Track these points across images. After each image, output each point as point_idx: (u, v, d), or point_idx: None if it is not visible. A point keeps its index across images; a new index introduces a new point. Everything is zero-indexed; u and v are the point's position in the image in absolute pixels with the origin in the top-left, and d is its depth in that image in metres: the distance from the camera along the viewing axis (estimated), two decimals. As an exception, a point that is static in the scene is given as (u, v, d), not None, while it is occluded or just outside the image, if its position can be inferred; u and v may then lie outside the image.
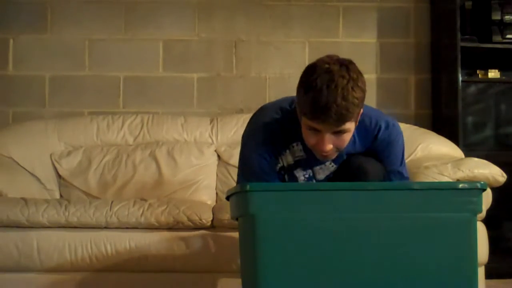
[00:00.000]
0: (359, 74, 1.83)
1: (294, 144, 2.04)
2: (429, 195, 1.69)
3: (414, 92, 3.87)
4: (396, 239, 1.67)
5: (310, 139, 1.88)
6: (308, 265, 1.65)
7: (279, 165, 2.08)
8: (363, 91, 1.83)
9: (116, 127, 3.43)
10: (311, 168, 2.07)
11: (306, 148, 2.00)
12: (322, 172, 2.09)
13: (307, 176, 2.09)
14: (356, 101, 1.79)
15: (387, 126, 2.05)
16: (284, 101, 2.05)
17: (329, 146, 1.86)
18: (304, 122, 1.87)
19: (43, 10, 3.76)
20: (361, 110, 1.88)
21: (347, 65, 1.82)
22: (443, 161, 2.86)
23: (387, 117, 2.09)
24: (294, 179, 2.10)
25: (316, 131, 1.85)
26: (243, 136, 2.13)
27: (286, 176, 2.10)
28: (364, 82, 1.84)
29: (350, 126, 1.85)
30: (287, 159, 2.07)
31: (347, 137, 1.88)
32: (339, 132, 1.85)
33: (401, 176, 2.10)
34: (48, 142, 3.34)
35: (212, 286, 2.66)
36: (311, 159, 2.03)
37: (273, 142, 2.03)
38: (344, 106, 1.77)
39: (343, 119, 1.79)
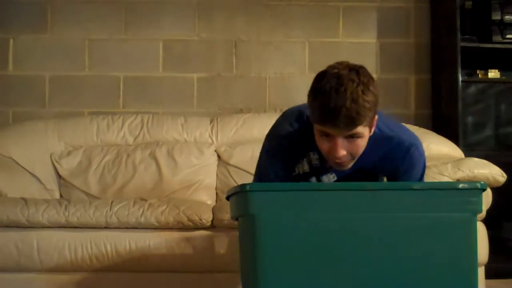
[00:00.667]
0: (370, 78, 1.80)
1: (311, 153, 2.01)
2: (429, 195, 1.68)
3: (414, 92, 3.87)
4: (396, 239, 1.67)
5: (323, 145, 1.84)
6: (308, 265, 1.65)
7: (295, 173, 2.07)
8: (375, 96, 1.79)
9: (116, 127, 3.43)
10: (320, 176, 2.06)
11: (322, 158, 1.97)
12: (327, 180, 2.08)
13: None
14: (367, 104, 1.75)
15: (407, 150, 1.99)
16: (306, 107, 1.99)
17: (342, 152, 1.81)
18: (316, 128, 1.83)
19: (43, 10, 3.76)
20: (376, 116, 1.84)
21: (357, 69, 1.79)
22: (443, 161, 2.86)
23: (411, 138, 2.02)
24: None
25: (329, 136, 1.81)
26: (264, 143, 2.10)
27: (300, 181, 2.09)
28: (376, 87, 1.80)
29: (363, 130, 1.80)
30: (304, 167, 2.05)
31: (361, 143, 1.83)
32: (352, 137, 1.80)
33: None
34: (48, 142, 3.34)
35: (212, 286, 2.66)
36: (323, 168, 2.01)
37: (290, 153, 2.02)
38: (355, 109, 1.73)
39: (354, 123, 1.76)
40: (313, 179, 2.07)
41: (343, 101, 1.73)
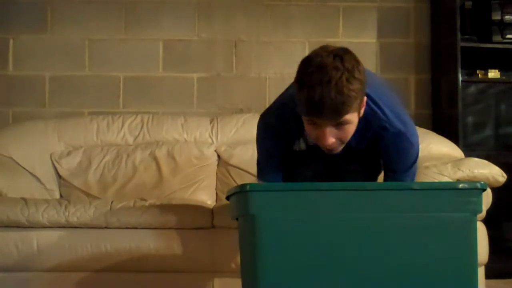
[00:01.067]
0: (356, 63, 1.75)
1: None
2: (429, 195, 1.68)
3: (414, 92, 3.87)
4: (396, 239, 1.67)
5: (312, 133, 1.84)
6: (308, 265, 1.65)
7: (294, 149, 2.06)
8: (361, 82, 1.74)
9: (116, 127, 3.43)
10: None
11: None
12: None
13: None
14: (353, 93, 1.71)
15: (396, 137, 1.96)
16: None
17: (331, 140, 1.80)
18: (304, 117, 1.82)
19: (43, 10, 3.76)
20: (364, 99, 1.81)
21: (341, 55, 1.74)
22: (443, 161, 2.86)
23: (403, 126, 1.98)
24: (306, 159, 2.09)
25: (316, 124, 1.80)
26: (258, 128, 2.09)
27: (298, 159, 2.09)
28: (361, 71, 1.75)
29: (351, 117, 1.78)
30: (301, 145, 2.05)
31: (350, 128, 1.82)
32: (340, 124, 1.78)
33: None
34: (48, 142, 3.34)
35: (212, 286, 2.66)
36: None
37: (285, 134, 2.02)
38: (340, 100, 1.70)
39: (340, 113, 1.73)
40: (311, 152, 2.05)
41: (327, 93, 1.69)
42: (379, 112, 1.95)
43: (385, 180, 2.10)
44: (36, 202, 2.70)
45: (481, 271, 2.77)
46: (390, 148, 1.99)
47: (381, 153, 2.04)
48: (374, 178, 2.20)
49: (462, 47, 3.51)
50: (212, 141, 3.41)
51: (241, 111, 3.75)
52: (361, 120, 1.88)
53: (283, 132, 2.03)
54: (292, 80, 1.90)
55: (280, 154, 2.06)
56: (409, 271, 1.66)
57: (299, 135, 2.04)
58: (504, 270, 3.43)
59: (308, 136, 2.00)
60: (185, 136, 3.42)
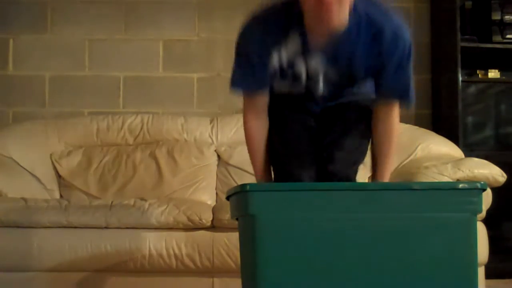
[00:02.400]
0: None
1: (293, 32, 1.97)
2: (429, 195, 1.69)
3: (414, 92, 3.86)
4: (396, 239, 1.67)
5: None
6: (308, 265, 1.65)
7: (276, 62, 2.02)
8: None
9: (116, 127, 3.43)
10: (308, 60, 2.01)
11: (304, 37, 1.94)
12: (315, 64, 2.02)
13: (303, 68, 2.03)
14: None
15: (393, 37, 1.96)
16: None
17: None
18: None
19: (43, 10, 3.76)
20: None
21: None
22: (443, 161, 2.86)
23: (396, 26, 2.00)
24: (296, 75, 2.05)
25: None
26: (239, 33, 2.11)
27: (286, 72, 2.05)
28: None
29: None
30: (287, 50, 2.00)
31: None
32: None
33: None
34: (48, 142, 3.34)
35: (212, 286, 2.66)
36: (306, 50, 1.97)
37: (268, 31, 2.01)
38: None
39: None
40: (301, 62, 2.01)
41: None
42: (372, 14, 1.95)
43: (377, 90, 2.06)
44: (36, 202, 2.70)
45: (481, 271, 2.77)
46: (385, 54, 1.96)
47: (376, 60, 1.99)
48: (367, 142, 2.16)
49: (462, 47, 3.51)
50: (212, 141, 3.41)
51: (241, 111, 3.74)
52: (356, 24, 1.88)
53: (264, 33, 2.01)
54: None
55: (259, 60, 2.02)
56: (409, 271, 1.66)
57: (284, 36, 1.99)
58: (504, 270, 3.43)
59: (293, 36, 1.96)
60: (185, 136, 3.42)
